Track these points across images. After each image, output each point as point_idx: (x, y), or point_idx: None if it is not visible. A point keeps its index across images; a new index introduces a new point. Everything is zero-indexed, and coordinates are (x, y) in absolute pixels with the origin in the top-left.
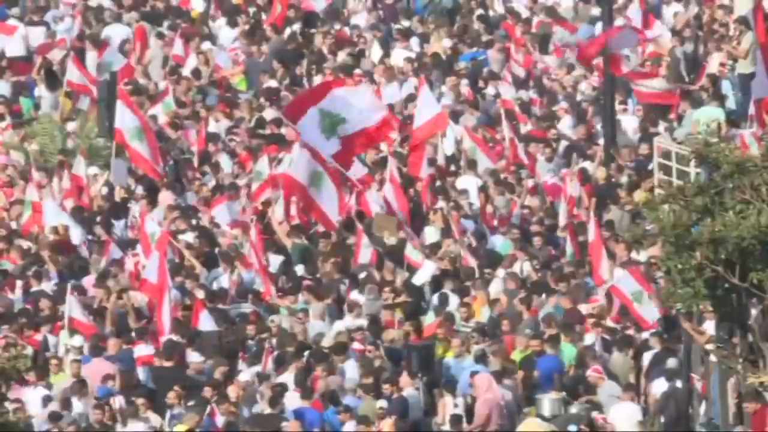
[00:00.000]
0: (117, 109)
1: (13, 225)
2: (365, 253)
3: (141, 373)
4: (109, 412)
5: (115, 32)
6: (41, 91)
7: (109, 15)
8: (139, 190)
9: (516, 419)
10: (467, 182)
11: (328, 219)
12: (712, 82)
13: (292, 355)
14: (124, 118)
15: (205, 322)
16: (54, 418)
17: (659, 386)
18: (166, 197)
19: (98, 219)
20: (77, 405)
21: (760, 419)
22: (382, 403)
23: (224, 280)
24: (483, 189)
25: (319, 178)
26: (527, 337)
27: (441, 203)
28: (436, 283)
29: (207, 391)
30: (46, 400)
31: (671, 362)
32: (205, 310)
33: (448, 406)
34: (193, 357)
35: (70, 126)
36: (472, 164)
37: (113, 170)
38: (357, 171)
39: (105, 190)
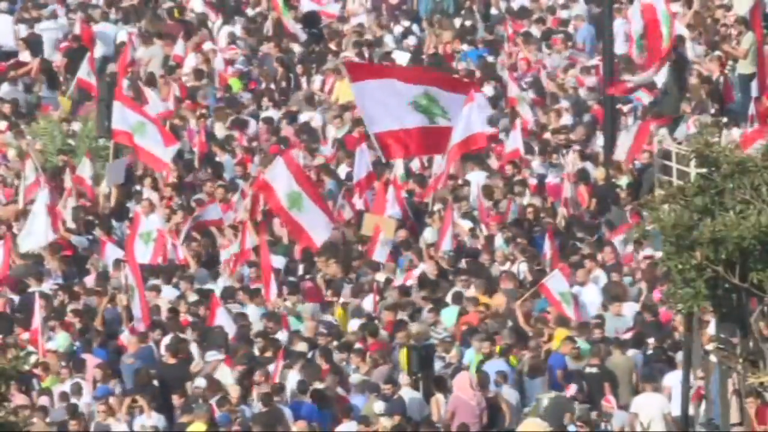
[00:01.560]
0: (114, 109)
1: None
2: (382, 251)
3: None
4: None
5: (104, 31)
6: (42, 91)
7: (98, 14)
8: (144, 192)
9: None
10: (473, 179)
11: (311, 240)
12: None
13: (297, 353)
14: (123, 118)
15: (221, 320)
16: None
17: (674, 378)
18: (154, 198)
19: (98, 220)
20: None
21: (760, 418)
22: (380, 404)
23: (221, 280)
24: (486, 188)
25: (298, 199)
26: (479, 340)
27: (440, 205)
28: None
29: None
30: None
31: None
32: (221, 307)
33: (441, 404)
34: (209, 355)
35: (73, 126)
36: (477, 160)
37: (109, 171)
38: (361, 170)
39: (106, 190)
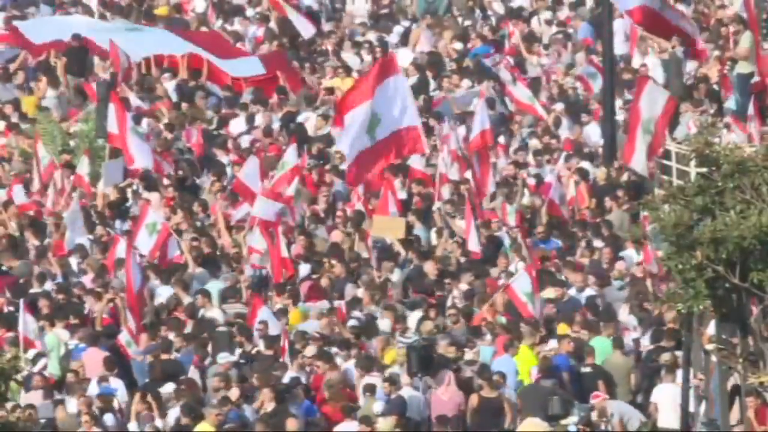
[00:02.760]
0: (109, 112)
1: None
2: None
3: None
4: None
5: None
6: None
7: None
8: (141, 190)
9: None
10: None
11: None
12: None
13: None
14: (124, 120)
15: (264, 318)
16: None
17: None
18: (154, 198)
19: (99, 219)
20: (72, 404)
21: (760, 418)
22: (379, 404)
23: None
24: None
25: None
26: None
27: (440, 204)
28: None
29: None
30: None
31: (666, 356)
32: (264, 306)
33: None
34: (221, 357)
35: (74, 126)
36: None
37: (105, 170)
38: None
39: (105, 190)
